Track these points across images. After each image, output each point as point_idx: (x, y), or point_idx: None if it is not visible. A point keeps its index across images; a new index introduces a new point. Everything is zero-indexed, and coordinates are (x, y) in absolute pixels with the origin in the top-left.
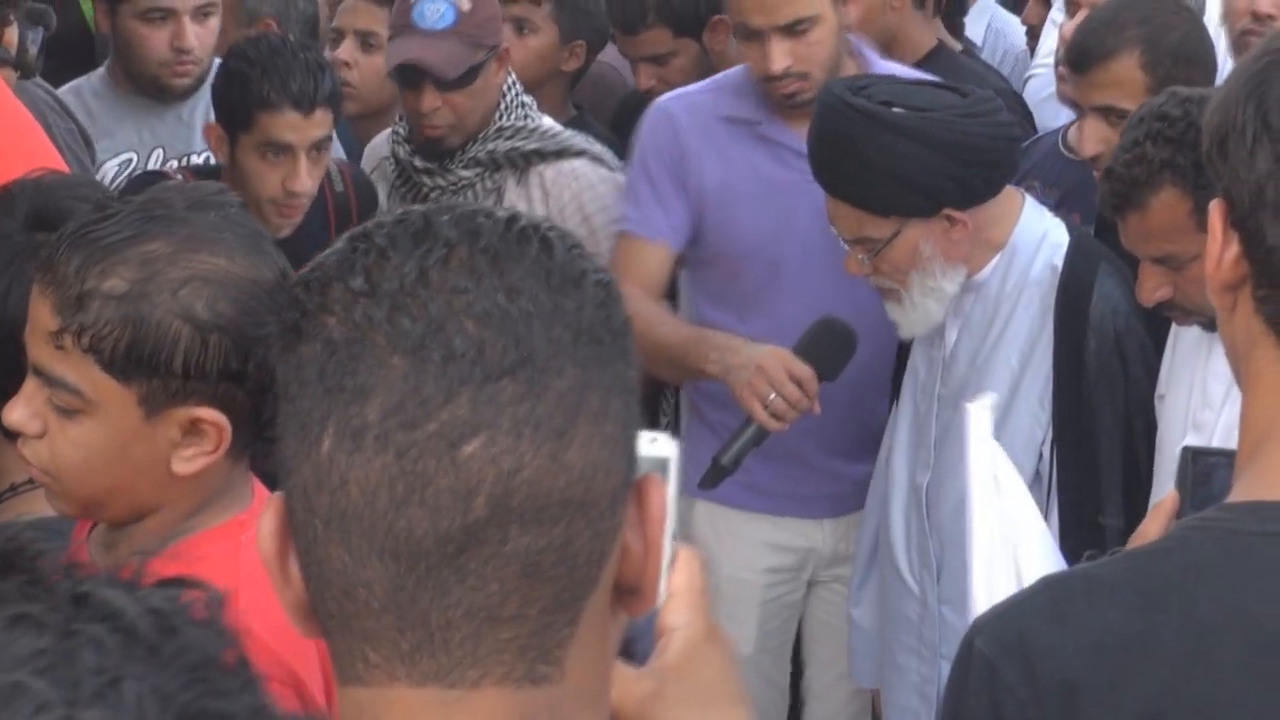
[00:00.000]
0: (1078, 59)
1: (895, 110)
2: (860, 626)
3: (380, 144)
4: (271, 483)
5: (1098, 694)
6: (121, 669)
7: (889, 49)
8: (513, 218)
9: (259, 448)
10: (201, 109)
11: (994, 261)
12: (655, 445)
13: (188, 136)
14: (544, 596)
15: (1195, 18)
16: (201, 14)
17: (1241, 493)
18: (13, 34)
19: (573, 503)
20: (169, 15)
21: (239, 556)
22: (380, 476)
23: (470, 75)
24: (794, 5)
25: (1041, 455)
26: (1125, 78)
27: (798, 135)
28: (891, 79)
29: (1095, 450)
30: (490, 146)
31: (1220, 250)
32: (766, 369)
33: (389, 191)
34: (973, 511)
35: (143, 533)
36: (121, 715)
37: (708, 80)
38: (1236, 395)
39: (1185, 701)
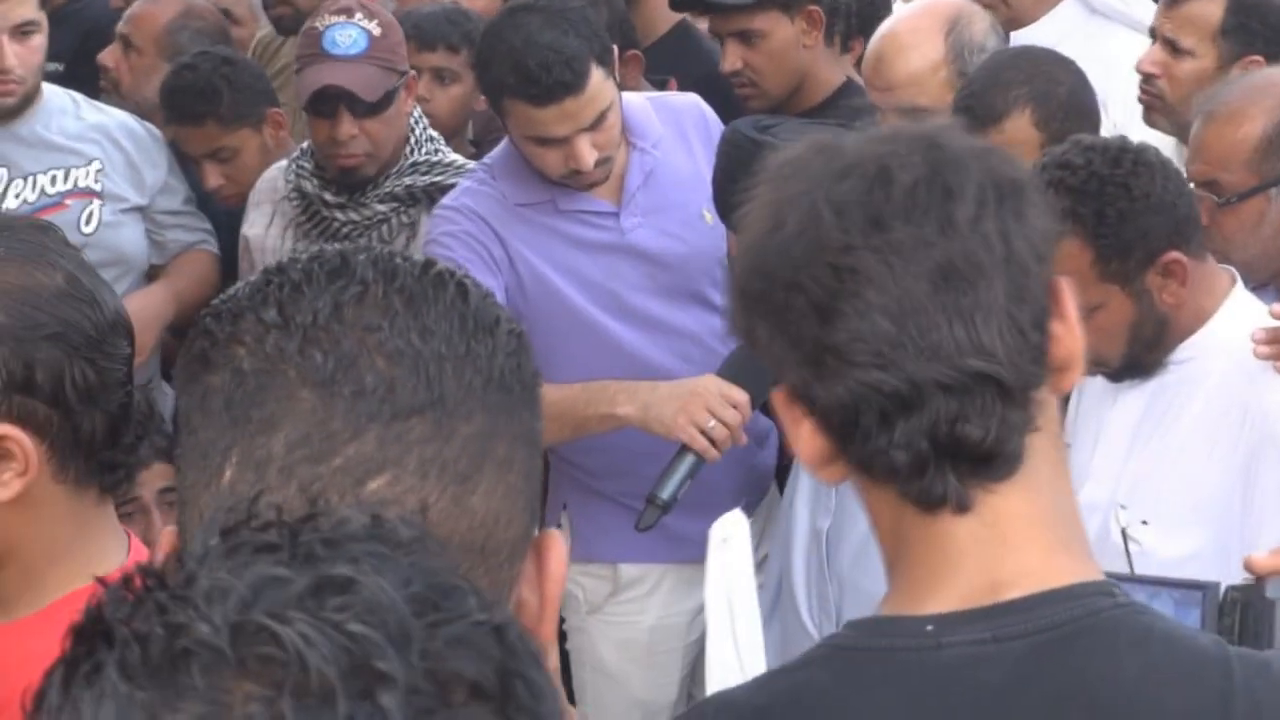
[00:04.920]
0: (969, 124)
1: None
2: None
3: (271, 183)
4: None
5: None
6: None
7: (800, 86)
8: (429, 263)
9: (108, 480)
10: (40, 128)
11: None
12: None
13: (33, 156)
14: None
15: (1077, 69)
16: (21, 33)
17: (875, 612)
18: None
19: (473, 548)
20: None
21: None
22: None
23: (386, 100)
24: (593, 103)
25: None
26: (1020, 138)
27: (591, 197)
28: (796, 120)
29: None
30: (407, 181)
31: (796, 432)
32: (703, 395)
33: (289, 229)
34: (710, 630)
35: (9, 586)
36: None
37: (472, 178)
38: (1138, 449)
39: None
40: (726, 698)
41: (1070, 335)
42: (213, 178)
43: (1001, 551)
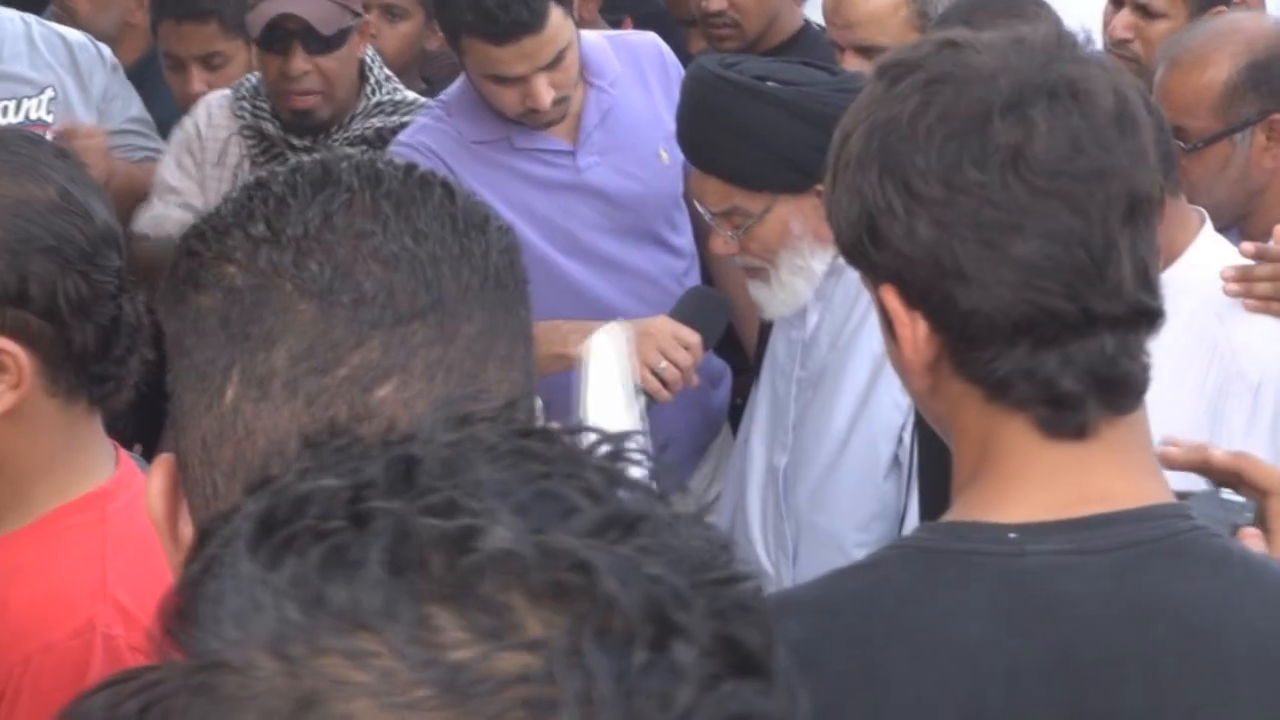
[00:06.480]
0: None
1: (769, 84)
2: None
3: (215, 116)
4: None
5: None
6: None
7: (766, 30)
8: (411, 165)
9: (98, 392)
10: None
11: None
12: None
13: None
14: None
15: (1051, 11)
16: None
17: (947, 517)
18: None
19: None
20: None
21: (105, 528)
22: (289, 425)
23: (340, 38)
24: (552, 42)
25: (901, 440)
26: None
27: (548, 135)
28: (759, 58)
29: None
30: (376, 123)
31: (911, 333)
32: (656, 336)
33: (242, 167)
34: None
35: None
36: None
37: (428, 115)
38: None
39: (851, 714)
40: (789, 596)
41: None
42: (198, 83)
43: (1096, 470)
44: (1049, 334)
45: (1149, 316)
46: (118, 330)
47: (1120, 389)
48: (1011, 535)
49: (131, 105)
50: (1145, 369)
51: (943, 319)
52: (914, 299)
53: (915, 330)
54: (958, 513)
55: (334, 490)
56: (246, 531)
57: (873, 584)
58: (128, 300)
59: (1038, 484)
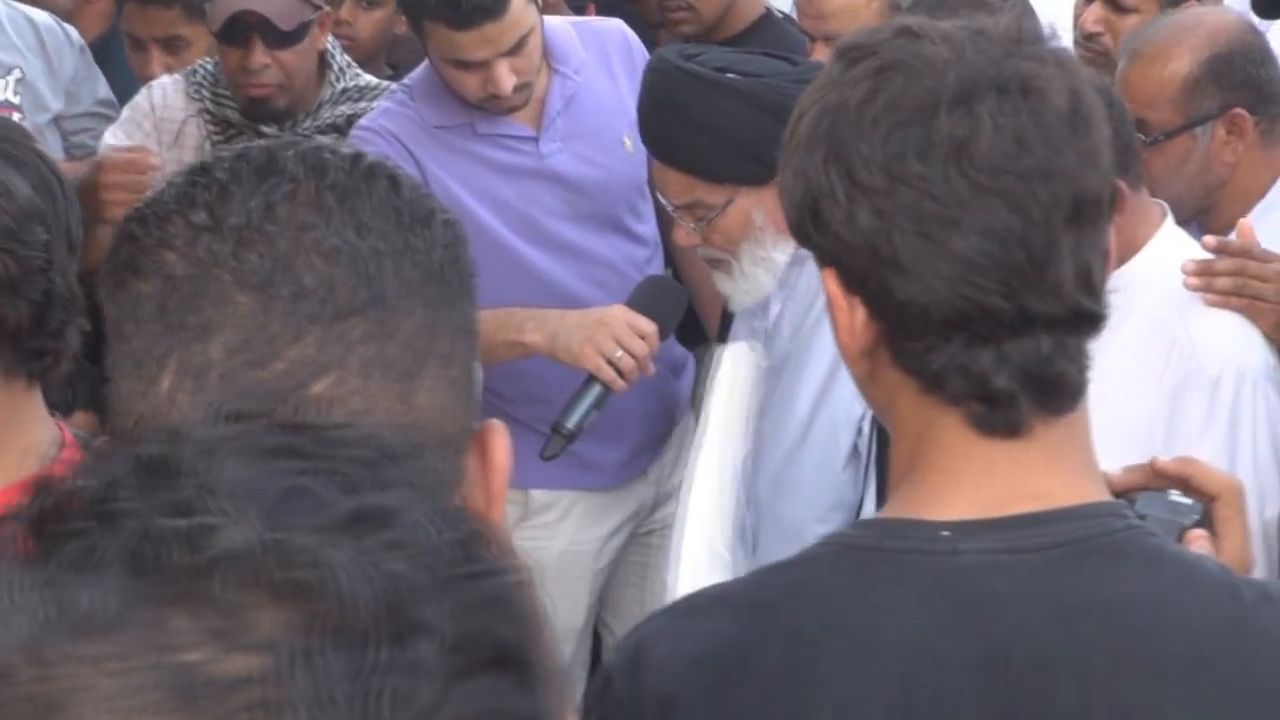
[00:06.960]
0: None
1: (730, 76)
2: (675, 595)
3: (171, 98)
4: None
5: (693, 705)
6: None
7: (723, 16)
8: (359, 155)
9: (36, 367)
10: None
11: None
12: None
13: None
14: None
15: (1022, 7)
16: None
17: (881, 513)
18: None
19: None
20: None
21: None
22: None
23: (301, 31)
24: (514, 28)
25: (861, 431)
26: None
27: (511, 121)
28: (720, 49)
29: None
30: (345, 109)
31: (849, 318)
32: (611, 324)
33: (203, 149)
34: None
35: None
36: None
37: (391, 99)
38: None
39: (783, 711)
40: (721, 592)
41: None
42: (157, 66)
43: (1031, 469)
44: (984, 330)
45: (1089, 319)
46: (51, 304)
47: (1055, 390)
48: (944, 533)
49: (99, 88)
50: (1082, 370)
51: (879, 307)
52: (852, 285)
53: (853, 316)
54: (892, 509)
55: (87, 490)
56: (11, 535)
57: (805, 580)
58: (58, 273)
59: (972, 481)
